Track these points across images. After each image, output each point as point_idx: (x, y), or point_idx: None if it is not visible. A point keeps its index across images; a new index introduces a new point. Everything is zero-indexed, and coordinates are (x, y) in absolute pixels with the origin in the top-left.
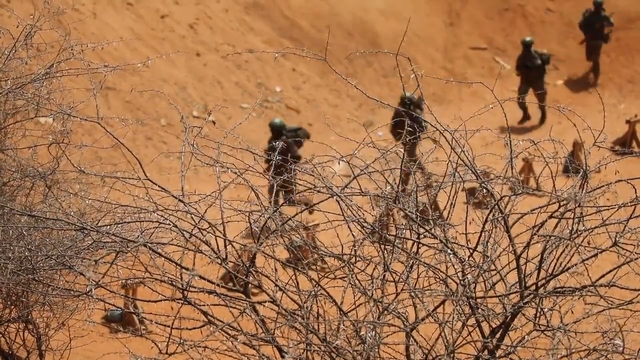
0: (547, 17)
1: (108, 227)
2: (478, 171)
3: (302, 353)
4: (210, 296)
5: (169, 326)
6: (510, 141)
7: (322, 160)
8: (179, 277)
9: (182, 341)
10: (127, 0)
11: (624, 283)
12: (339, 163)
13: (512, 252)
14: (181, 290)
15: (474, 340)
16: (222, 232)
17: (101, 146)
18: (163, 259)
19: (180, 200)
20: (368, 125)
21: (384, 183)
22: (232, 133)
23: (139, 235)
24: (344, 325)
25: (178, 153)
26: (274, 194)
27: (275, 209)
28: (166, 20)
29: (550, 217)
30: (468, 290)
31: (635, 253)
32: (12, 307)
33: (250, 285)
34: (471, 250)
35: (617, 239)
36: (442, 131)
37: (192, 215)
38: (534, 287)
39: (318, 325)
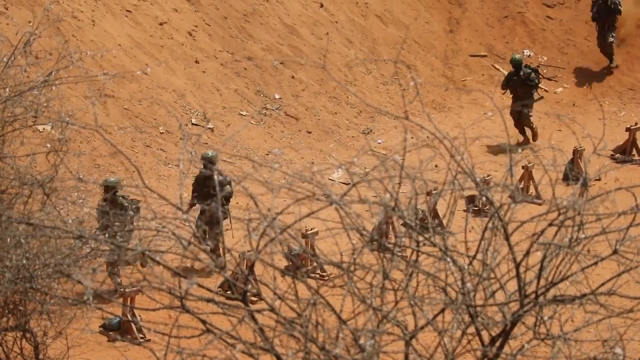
0: (547, 25)
1: (106, 235)
2: (477, 179)
3: None
4: (209, 304)
5: (167, 334)
6: (510, 149)
7: (321, 167)
8: (178, 285)
9: (180, 350)
10: (126, 7)
11: (624, 291)
12: (338, 170)
13: (512, 260)
14: (179, 299)
15: (474, 348)
16: (221, 240)
17: (99, 154)
18: (161, 267)
19: (178, 208)
20: (367, 132)
21: (383, 191)
22: (231, 140)
23: (137, 244)
24: (343, 333)
25: (177, 161)
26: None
27: (274, 216)
28: (165, 28)
29: (550, 225)
30: (468, 299)
31: (636, 261)
32: (10, 315)
33: (249, 293)
34: (471, 259)
35: (617, 247)
36: (441, 139)
37: (191, 224)
38: (533, 296)
39: (317, 334)
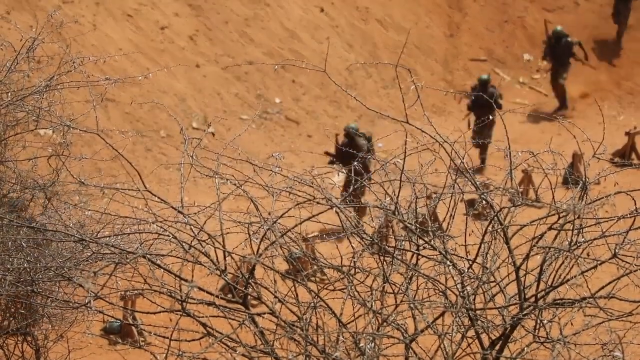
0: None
1: (107, 238)
2: (477, 182)
3: None
4: (210, 308)
5: (167, 338)
6: (510, 152)
7: (321, 171)
8: (178, 288)
9: (181, 353)
10: (127, 12)
11: (624, 295)
12: (338, 174)
13: (512, 263)
14: (180, 302)
15: (474, 352)
16: (222, 243)
17: (101, 158)
18: (162, 270)
19: (179, 211)
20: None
21: (383, 194)
22: (232, 144)
23: (138, 247)
24: (343, 336)
25: (177, 164)
26: None
27: (274, 219)
28: (166, 32)
29: (550, 228)
30: (467, 302)
31: (635, 265)
32: (11, 319)
33: (249, 296)
34: (471, 262)
35: (616, 250)
36: (441, 142)
37: (192, 227)
38: (533, 299)
39: (317, 337)
